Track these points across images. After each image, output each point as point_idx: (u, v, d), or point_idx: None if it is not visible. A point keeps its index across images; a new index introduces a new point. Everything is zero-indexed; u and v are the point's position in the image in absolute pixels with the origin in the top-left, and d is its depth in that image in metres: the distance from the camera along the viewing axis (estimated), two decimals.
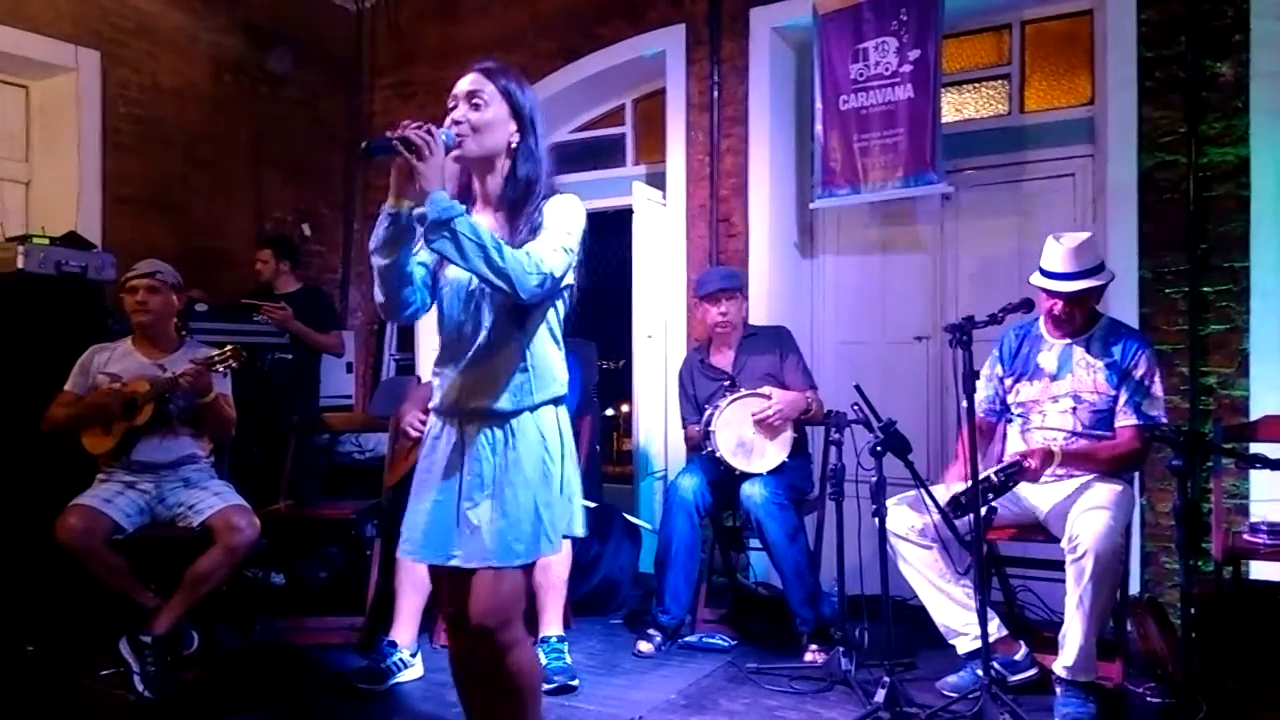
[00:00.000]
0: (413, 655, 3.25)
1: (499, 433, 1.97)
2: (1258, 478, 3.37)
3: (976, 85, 4.38)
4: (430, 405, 2.11)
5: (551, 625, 3.31)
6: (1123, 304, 3.59)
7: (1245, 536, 2.88)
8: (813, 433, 3.86)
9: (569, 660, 3.24)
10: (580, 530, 2.07)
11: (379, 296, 2.02)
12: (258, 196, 5.35)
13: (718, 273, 3.88)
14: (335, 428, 4.44)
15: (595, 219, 4.98)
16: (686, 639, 3.56)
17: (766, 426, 3.53)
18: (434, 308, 2.10)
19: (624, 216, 4.76)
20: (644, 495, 4.67)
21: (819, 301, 4.72)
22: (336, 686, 3.17)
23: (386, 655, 3.17)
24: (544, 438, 1.99)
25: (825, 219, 4.68)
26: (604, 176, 5.22)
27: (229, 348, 3.27)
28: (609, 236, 5.01)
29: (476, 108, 1.97)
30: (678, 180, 4.74)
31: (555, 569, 3.30)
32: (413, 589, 3.27)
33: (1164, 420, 2.94)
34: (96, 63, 4.56)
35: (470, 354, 1.99)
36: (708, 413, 3.58)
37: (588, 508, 4.01)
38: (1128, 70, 3.68)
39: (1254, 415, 3.32)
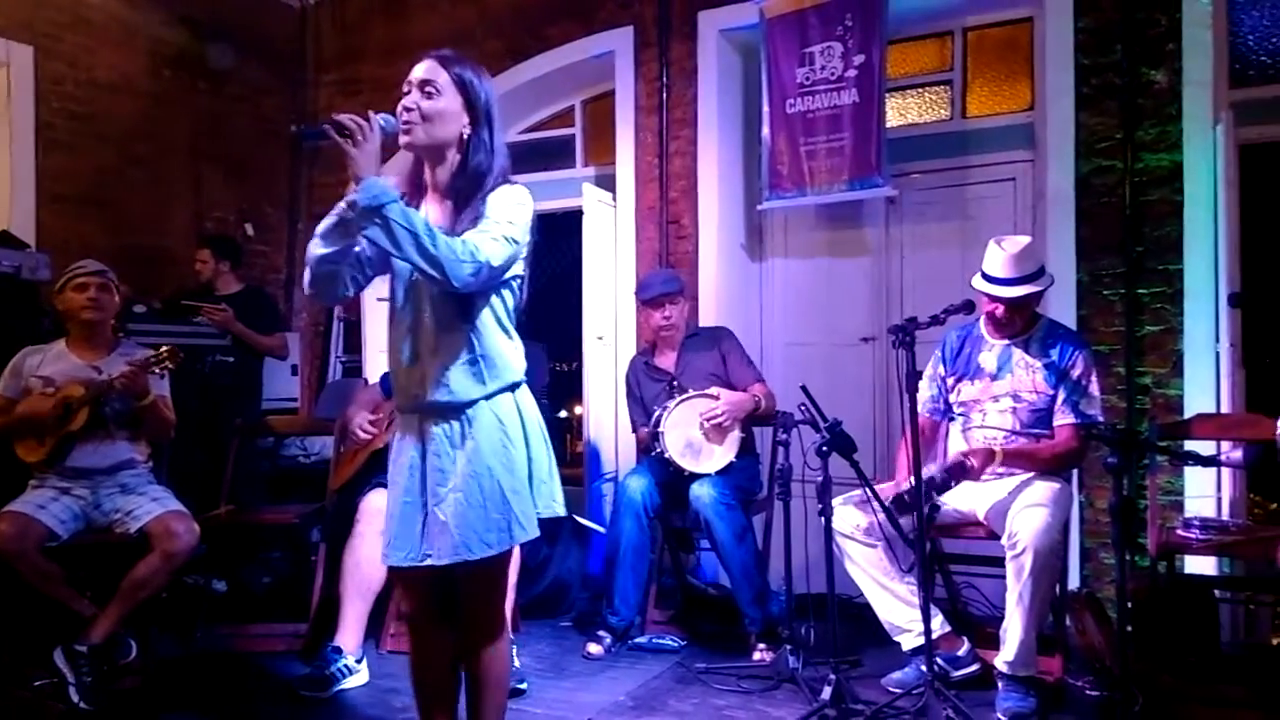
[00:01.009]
0: (358, 661, 3.20)
1: (456, 425, 1.96)
2: (1191, 474, 3.47)
3: (920, 90, 4.45)
4: (396, 405, 2.09)
5: None
6: (1061, 306, 3.67)
7: (1179, 532, 2.96)
8: (761, 433, 3.89)
9: (517, 664, 3.21)
10: (561, 510, 2.06)
11: (308, 277, 1.98)
12: (198, 195, 5.24)
13: (658, 276, 3.89)
14: (279, 431, 4.36)
15: (545, 220, 5.03)
16: (636, 640, 3.56)
17: (714, 427, 3.55)
18: (376, 305, 2.08)
19: (574, 218, 4.75)
20: (595, 497, 4.66)
21: (767, 303, 4.75)
22: (280, 694, 3.12)
23: (331, 662, 3.12)
24: (503, 425, 1.97)
25: (773, 221, 4.72)
26: (554, 178, 5.20)
27: (165, 349, 3.19)
28: (559, 238, 5.00)
29: (429, 96, 1.95)
30: (627, 182, 4.74)
31: None
32: (358, 594, 3.22)
33: (1101, 419, 3.02)
34: (30, 57, 4.43)
35: (417, 347, 1.98)
36: (656, 414, 3.59)
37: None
38: (1066, 77, 3.76)
39: (1187, 414, 3.42)
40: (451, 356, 1.95)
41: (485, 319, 1.98)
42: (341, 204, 1.86)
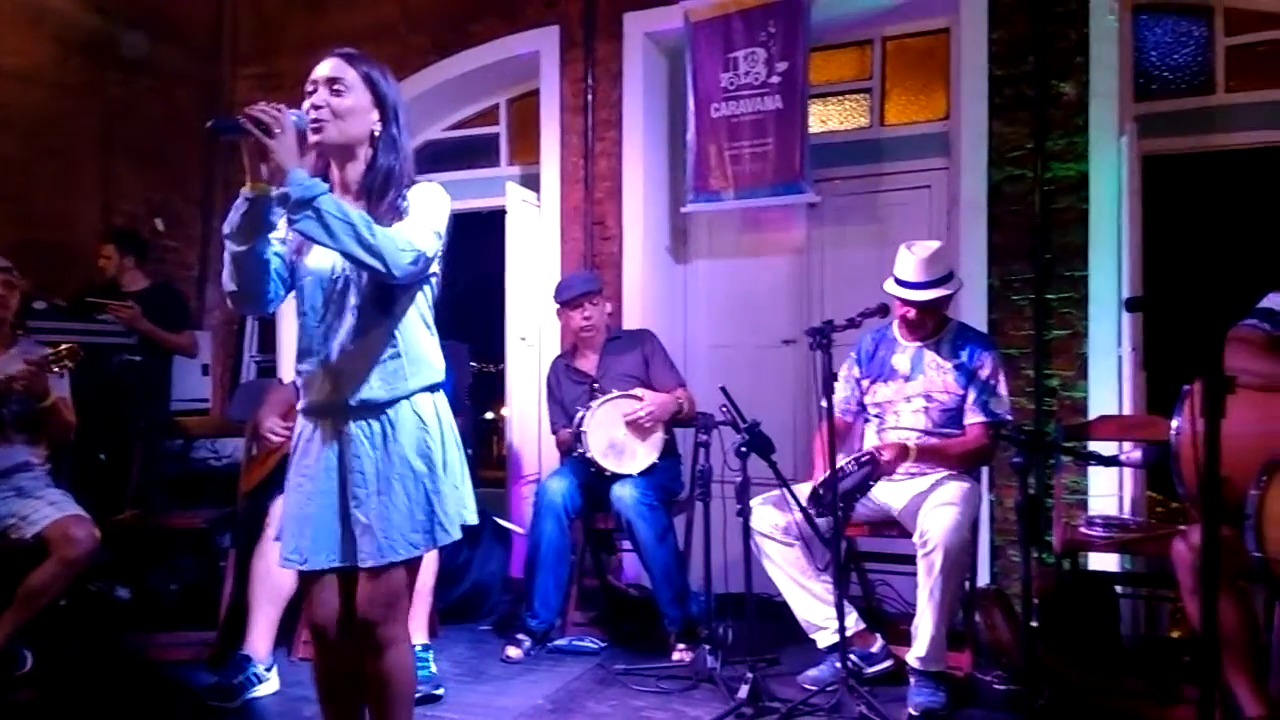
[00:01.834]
0: (268, 669, 3.11)
1: (376, 425, 1.92)
2: (1095, 474, 3.59)
3: (841, 98, 4.53)
4: (298, 406, 2.03)
5: (416, 634, 3.20)
6: (974, 310, 3.77)
7: (1082, 530, 3.06)
8: (683, 434, 3.91)
9: (434, 669, 3.17)
10: (473, 518, 2.03)
11: (229, 285, 1.94)
12: (107, 188, 5.04)
13: (576, 278, 3.88)
14: (189, 432, 4.23)
15: (468, 219, 5.01)
16: (556, 643, 3.54)
17: (638, 428, 3.56)
18: (290, 300, 2.03)
19: (498, 217, 4.70)
20: (518, 499, 4.63)
21: (691, 305, 4.78)
22: (187, 705, 3.02)
23: (239, 670, 3.03)
24: (424, 424, 1.95)
25: (697, 224, 4.75)
26: (478, 176, 5.15)
27: (64, 347, 3.07)
28: (482, 237, 4.94)
29: (337, 93, 1.92)
30: (552, 182, 4.72)
31: (420, 576, 3.21)
32: (268, 600, 3.14)
33: (1009, 417, 3.11)
34: None
35: (338, 345, 1.94)
36: (579, 414, 3.58)
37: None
38: (980, 87, 3.86)
39: (1091, 415, 3.54)
40: (374, 354, 1.93)
41: (409, 316, 1.96)
42: (241, 200, 1.83)
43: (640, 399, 3.58)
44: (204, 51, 5.54)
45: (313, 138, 1.91)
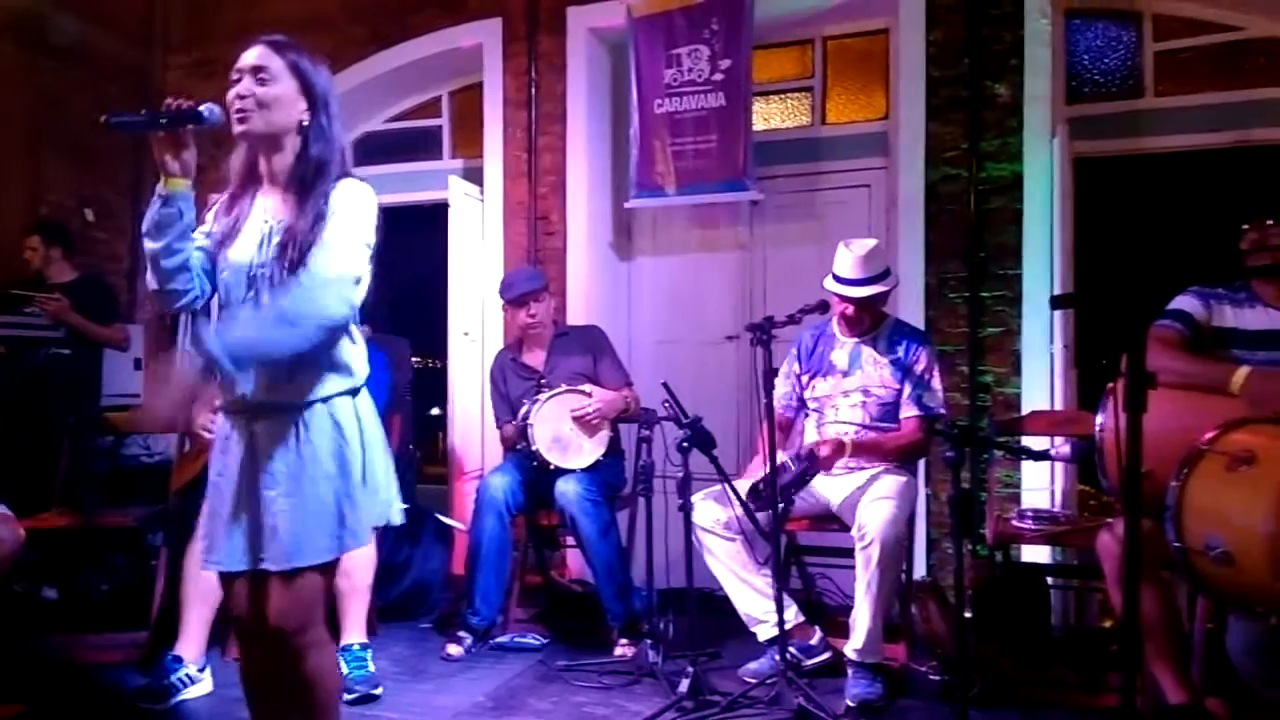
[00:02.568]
0: (201, 670, 3.05)
1: (290, 427, 1.88)
2: (1028, 468, 3.68)
3: (782, 96, 4.57)
4: (216, 404, 1.99)
5: (354, 633, 3.19)
6: (911, 307, 3.84)
7: (1014, 522, 3.14)
8: (627, 431, 3.91)
9: (372, 668, 3.13)
10: (398, 519, 1.99)
11: (152, 283, 1.92)
12: (35, 178, 4.88)
13: (520, 275, 3.86)
14: (120, 428, 4.11)
15: (410, 213, 4.94)
16: (498, 640, 3.52)
17: (585, 424, 3.56)
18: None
19: (440, 211, 4.65)
20: (460, 496, 4.59)
21: (635, 301, 4.78)
22: (117, 707, 2.94)
23: (170, 671, 2.96)
24: (340, 429, 1.91)
25: (642, 219, 4.76)
26: (420, 169, 5.09)
27: None
28: (424, 231, 4.89)
29: (263, 82, 1.88)
30: (495, 176, 4.69)
31: (358, 574, 3.19)
32: (200, 599, 3.07)
33: (943, 411, 3.18)
34: None
35: None
36: (526, 407, 3.57)
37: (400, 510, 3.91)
38: (917, 88, 3.93)
39: (1024, 410, 3.63)
40: (293, 357, 1.87)
41: None
42: (155, 197, 1.82)
43: (588, 395, 3.58)
44: (135, 38, 5.38)
45: (237, 128, 1.87)
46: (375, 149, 5.30)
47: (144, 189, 5.37)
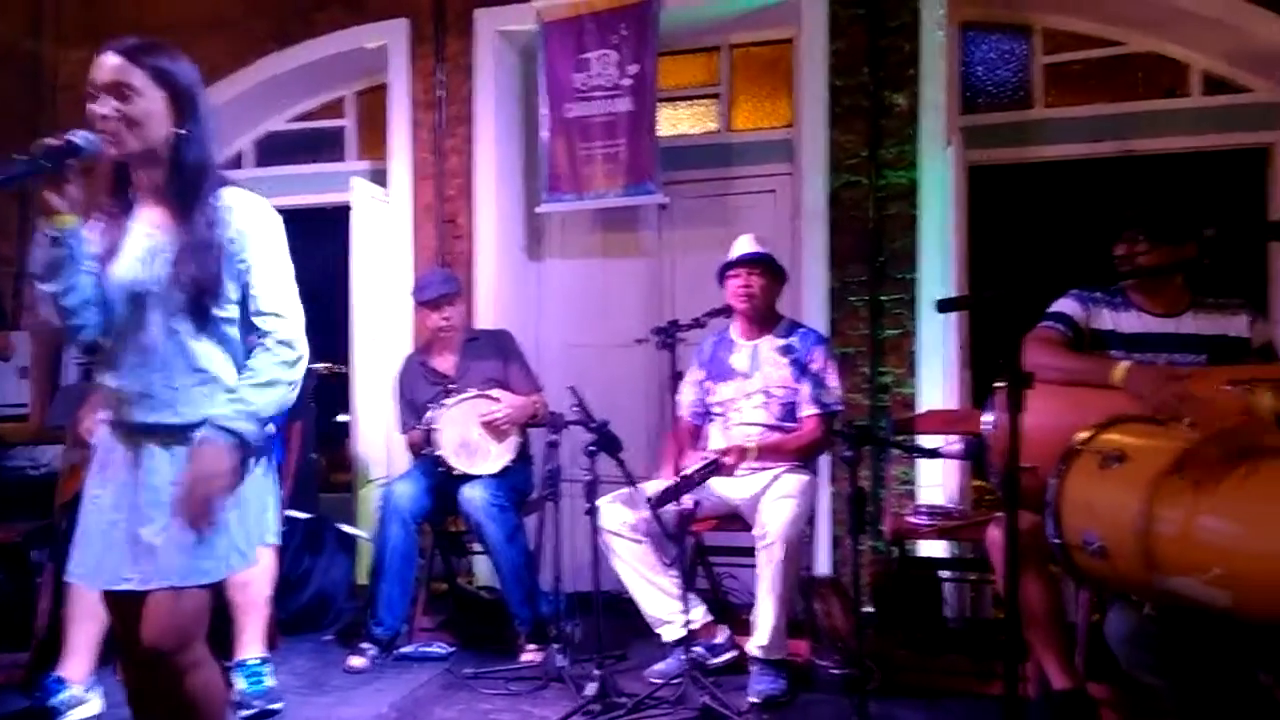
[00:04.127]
0: (88, 690, 2.92)
1: (175, 446, 1.82)
2: (925, 465, 3.79)
3: (690, 102, 4.61)
4: (101, 416, 1.91)
5: (251, 647, 3.09)
6: (815, 311, 3.92)
7: (909, 519, 3.23)
8: (537, 436, 3.89)
9: (271, 683, 3.05)
10: (273, 540, 1.96)
11: (54, 320, 1.83)
12: None
13: (435, 276, 3.82)
14: (4, 439, 3.93)
15: (312, 215, 4.82)
16: (403, 650, 3.46)
17: (493, 429, 3.53)
18: None
19: (344, 213, 4.56)
20: (366, 504, 4.50)
21: (545, 304, 4.77)
22: None
23: (52, 693, 2.83)
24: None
25: (551, 223, 4.74)
26: (322, 170, 4.99)
27: None
28: (327, 234, 4.77)
29: (127, 99, 1.78)
30: (402, 178, 4.62)
31: (255, 587, 3.09)
32: (87, 617, 2.93)
33: (840, 407, 3.27)
34: None
35: (140, 362, 1.83)
36: (432, 412, 3.52)
37: (299, 519, 3.82)
38: (820, 96, 4.01)
39: (921, 409, 3.74)
40: (178, 373, 1.83)
41: (217, 337, 1.87)
42: (42, 236, 1.75)
43: (497, 400, 3.55)
44: (23, 28, 5.14)
45: (110, 151, 1.78)
46: (277, 149, 5.17)
47: (31, 192, 5.13)
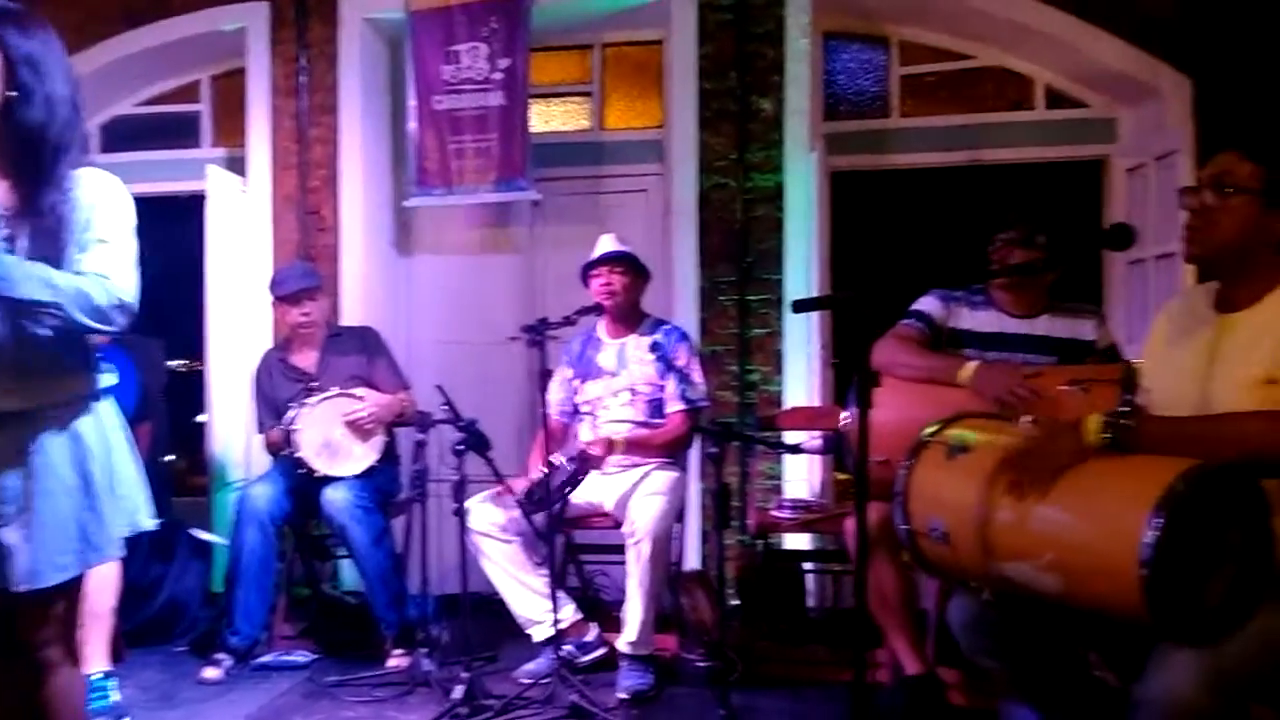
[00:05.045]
0: None
1: (21, 437, 1.72)
2: (790, 460, 3.89)
3: (564, 99, 4.60)
4: None
5: (93, 661, 2.90)
6: (686, 310, 3.98)
7: (773, 512, 3.32)
8: (403, 435, 3.81)
9: (116, 698, 2.87)
10: (147, 524, 1.88)
11: None
12: None
13: (295, 270, 3.70)
14: None
15: (164, 204, 4.58)
16: (261, 659, 3.34)
17: (357, 428, 3.44)
18: None
19: (199, 202, 4.35)
20: (223, 508, 4.31)
21: (416, 300, 4.67)
22: None
23: None
24: (78, 438, 1.77)
25: (421, 217, 4.64)
26: (176, 157, 4.74)
27: None
28: (181, 224, 4.54)
29: None
30: (261, 167, 4.44)
31: (97, 597, 2.89)
32: None
33: (705, 403, 3.33)
34: None
35: None
36: (292, 411, 3.40)
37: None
38: (690, 98, 4.07)
39: (786, 406, 3.84)
40: (16, 362, 1.72)
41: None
42: None
43: (361, 398, 3.45)
44: None
45: None
46: (125, 134, 4.88)
47: None
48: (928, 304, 2.80)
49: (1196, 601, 1.57)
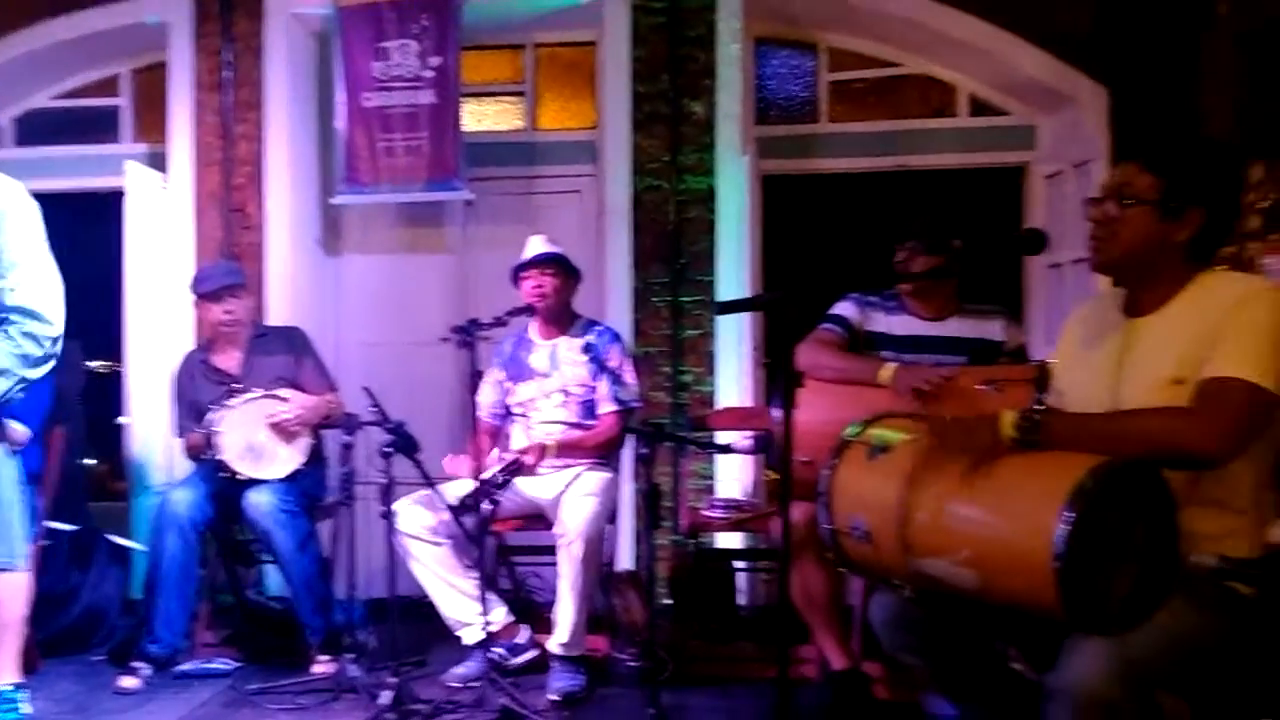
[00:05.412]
0: None
1: None
2: (722, 460, 3.93)
3: (496, 99, 4.58)
4: None
5: (3, 672, 2.81)
6: (619, 311, 3.99)
7: (704, 512, 3.35)
8: (330, 437, 3.75)
9: (27, 710, 2.77)
10: (21, 565, 1.81)
11: None
12: None
13: (216, 269, 3.62)
14: None
15: (81, 201, 4.44)
16: (182, 668, 3.25)
17: (281, 431, 3.37)
18: None
19: (117, 199, 4.22)
20: (143, 513, 4.19)
21: (344, 300, 4.60)
22: None
23: None
24: None
25: (351, 216, 4.58)
26: (93, 152, 4.60)
27: None
28: (98, 221, 4.40)
29: None
30: (183, 164, 4.33)
31: (6, 606, 2.80)
32: None
33: (638, 404, 3.35)
34: None
35: None
36: (213, 413, 3.32)
37: (63, 531, 3.51)
38: (623, 100, 4.09)
39: (718, 407, 3.88)
40: None
41: None
42: None
43: (286, 400, 3.39)
44: None
45: None
46: (41, 128, 4.72)
47: None
48: (844, 308, 2.87)
49: (1105, 594, 1.63)
